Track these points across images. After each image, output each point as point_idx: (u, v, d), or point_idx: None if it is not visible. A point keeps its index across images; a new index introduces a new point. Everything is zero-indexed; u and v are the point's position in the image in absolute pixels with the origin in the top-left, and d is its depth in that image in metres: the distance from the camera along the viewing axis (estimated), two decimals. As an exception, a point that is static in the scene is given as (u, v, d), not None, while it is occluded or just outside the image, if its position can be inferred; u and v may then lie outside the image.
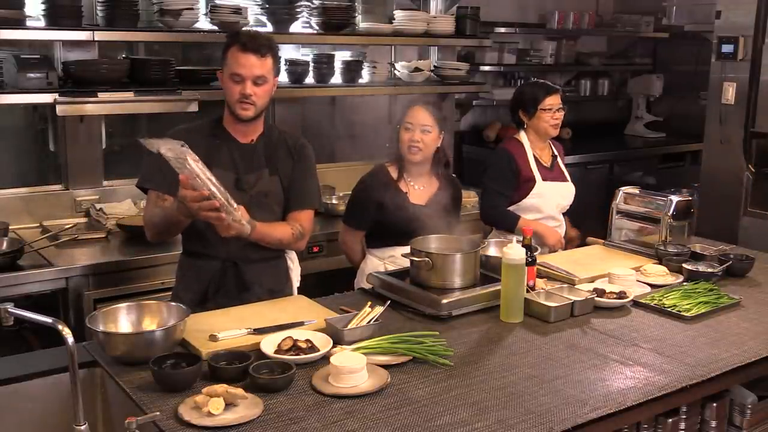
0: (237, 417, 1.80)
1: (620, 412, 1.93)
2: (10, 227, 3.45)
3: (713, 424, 2.25)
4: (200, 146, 2.42)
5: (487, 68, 5.69)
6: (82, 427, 1.71)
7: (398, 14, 4.46)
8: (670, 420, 2.15)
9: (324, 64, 4.27)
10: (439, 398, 1.95)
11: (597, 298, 2.63)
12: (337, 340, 2.21)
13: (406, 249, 2.71)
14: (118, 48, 3.92)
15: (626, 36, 6.66)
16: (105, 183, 3.89)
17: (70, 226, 3.59)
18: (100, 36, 3.50)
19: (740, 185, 4.56)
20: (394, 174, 3.15)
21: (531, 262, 2.66)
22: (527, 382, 2.05)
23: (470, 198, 4.13)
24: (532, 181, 3.47)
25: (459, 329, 2.43)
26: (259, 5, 4.04)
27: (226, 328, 2.25)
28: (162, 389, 1.94)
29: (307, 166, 2.78)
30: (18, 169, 3.84)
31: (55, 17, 3.41)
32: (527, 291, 2.57)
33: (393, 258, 3.09)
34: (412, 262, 2.65)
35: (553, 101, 3.47)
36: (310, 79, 4.27)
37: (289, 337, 2.17)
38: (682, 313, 2.55)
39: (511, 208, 3.47)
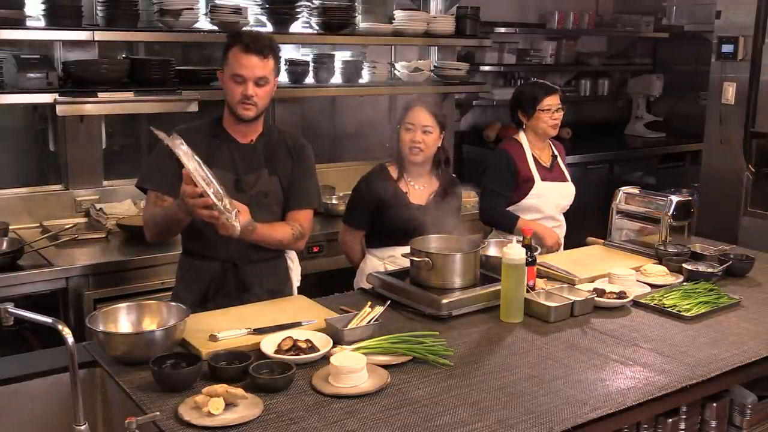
0: (237, 417, 1.80)
1: (620, 412, 1.94)
2: (10, 227, 3.45)
3: (713, 424, 2.25)
4: (200, 146, 2.42)
5: (487, 68, 5.69)
6: (82, 427, 1.71)
7: (398, 14, 4.47)
8: (670, 420, 2.15)
9: (324, 64, 4.27)
10: (439, 398, 1.95)
11: (597, 298, 2.63)
12: (337, 340, 2.21)
13: (406, 249, 2.71)
14: (118, 48, 3.92)
15: (626, 36, 6.66)
16: (105, 183, 3.89)
17: (70, 226, 3.59)
18: (100, 36, 3.50)
19: (740, 185, 4.56)
20: (394, 174, 3.15)
21: (531, 262, 2.66)
22: (527, 382, 2.05)
23: (470, 198, 4.13)
24: (530, 182, 3.47)
25: (459, 329, 2.43)
26: (259, 5, 4.04)
27: (226, 328, 2.25)
28: (162, 389, 1.94)
29: (306, 166, 2.78)
30: (18, 169, 3.84)
31: (55, 17, 3.41)
32: (527, 291, 2.57)
33: (393, 258, 3.09)
34: (412, 262, 2.65)
35: (552, 101, 3.47)
36: (310, 79, 4.28)
37: (289, 337, 2.17)
38: (682, 313, 2.55)
39: (510, 209, 3.47)
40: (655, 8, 6.04)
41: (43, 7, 3.42)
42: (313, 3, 4.14)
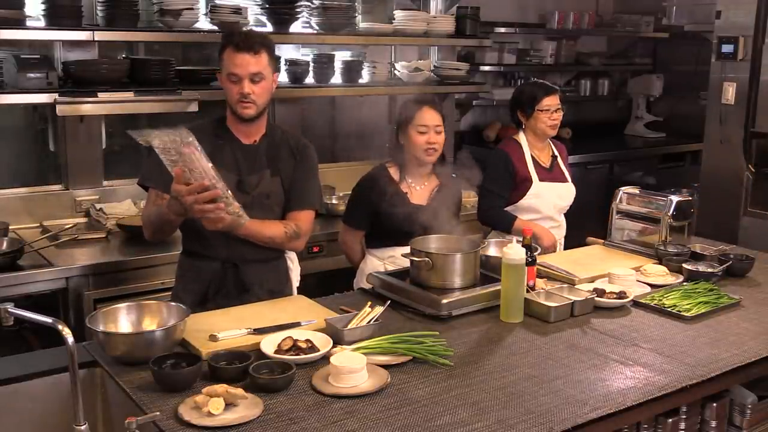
0: (237, 417, 1.80)
1: (620, 412, 1.93)
2: (10, 227, 3.45)
3: (713, 424, 2.25)
4: (204, 146, 2.42)
5: (487, 68, 5.69)
6: (82, 427, 1.71)
7: (398, 14, 4.47)
8: (670, 420, 2.15)
9: (324, 64, 4.27)
10: (439, 398, 1.95)
11: (597, 298, 2.63)
12: (337, 340, 2.21)
13: (407, 249, 2.71)
14: (118, 48, 3.92)
15: (626, 36, 6.66)
16: (105, 183, 3.89)
17: (70, 226, 3.59)
18: (100, 36, 3.50)
19: (740, 185, 4.56)
20: (394, 174, 3.15)
21: (531, 262, 2.66)
22: (527, 382, 2.05)
23: (470, 198, 4.14)
24: (528, 182, 3.47)
25: (459, 329, 2.43)
26: (259, 5, 4.04)
27: (226, 328, 2.25)
28: (162, 389, 1.94)
29: (308, 167, 2.78)
30: (18, 169, 3.84)
31: (55, 17, 3.41)
32: (527, 291, 2.57)
33: (393, 258, 3.08)
34: (412, 262, 2.65)
35: (551, 102, 3.46)
36: (310, 79, 4.28)
37: (289, 337, 2.17)
38: (682, 313, 2.55)
39: (508, 209, 3.48)
40: (655, 8, 6.05)
41: (43, 7, 3.42)
42: (313, 3, 4.14)
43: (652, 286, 2.85)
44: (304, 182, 2.76)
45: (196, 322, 2.29)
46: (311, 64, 4.24)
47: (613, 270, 2.85)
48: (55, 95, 3.31)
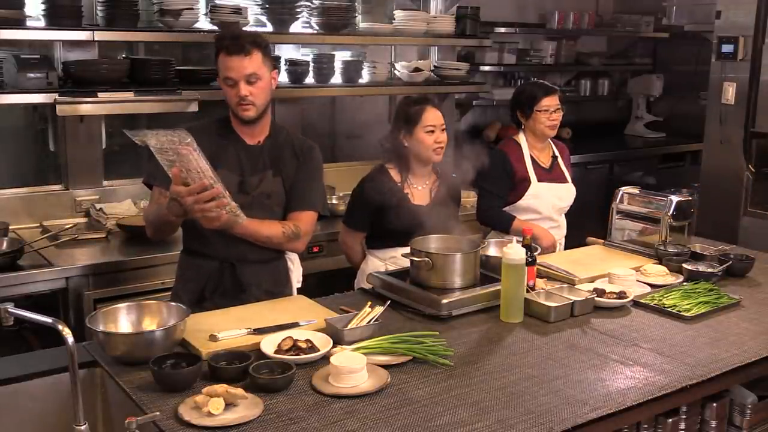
0: (237, 417, 1.80)
1: (620, 412, 1.93)
2: (10, 227, 3.45)
3: (713, 424, 2.25)
4: (207, 146, 2.42)
5: (487, 68, 5.69)
6: (82, 427, 1.71)
7: (398, 14, 4.47)
8: (670, 420, 2.15)
9: (324, 64, 4.27)
10: (439, 398, 1.95)
11: (597, 298, 2.63)
12: (337, 340, 2.21)
13: (408, 249, 2.71)
14: (118, 48, 3.92)
15: (626, 36, 6.66)
16: (105, 183, 3.89)
17: (70, 226, 3.59)
18: (100, 36, 3.50)
19: (740, 185, 4.56)
20: (395, 176, 3.15)
21: (531, 262, 2.66)
22: (527, 382, 2.05)
23: (470, 198, 4.14)
24: (527, 182, 3.47)
25: (459, 329, 2.43)
26: (259, 5, 4.04)
27: (226, 328, 2.25)
28: (162, 389, 1.94)
29: (312, 168, 2.77)
30: (18, 169, 3.84)
31: (55, 17, 3.41)
32: (527, 291, 2.57)
33: (394, 259, 3.08)
34: (412, 262, 2.65)
35: (550, 102, 3.46)
36: (310, 79, 4.27)
37: (289, 337, 2.17)
38: (682, 313, 2.55)
39: (507, 209, 3.48)
40: (655, 8, 6.05)
41: (43, 7, 3.42)
42: (313, 3, 4.14)
43: (652, 286, 2.85)
44: (307, 183, 2.75)
45: (196, 322, 2.29)
46: (311, 64, 4.24)
47: (613, 270, 2.85)
48: (55, 95, 3.31)
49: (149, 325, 2.21)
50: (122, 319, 2.20)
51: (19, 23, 3.32)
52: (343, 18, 4.18)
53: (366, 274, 2.97)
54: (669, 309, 2.59)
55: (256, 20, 4.07)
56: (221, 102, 2.71)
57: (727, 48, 4.52)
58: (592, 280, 2.86)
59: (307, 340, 2.16)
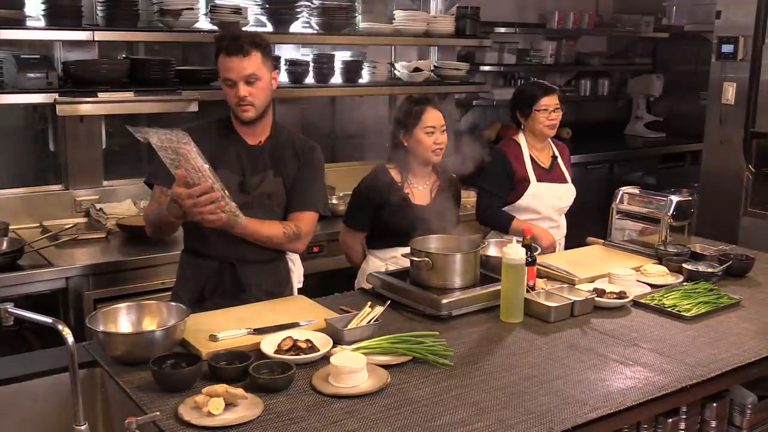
0: (237, 417, 1.80)
1: (620, 412, 1.94)
2: (10, 227, 3.45)
3: (713, 424, 2.25)
4: (208, 146, 2.42)
5: (487, 68, 5.69)
6: (82, 427, 1.71)
7: (398, 14, 4.47)
8: (670, 420, 2.15)
9: (324, 64, 4.27)
10: (439, 398, 1.95)
11: (597, 298, 2.63)
12: (337, 340, 2.21)
13: (408, 249, 2.71)
14: (118, 48, 3.92)
15: (626, 36, 6.66)
16: (105, 183, 3.89)
17: (70, 226, 3.59)
18: (100, 36, 3.50)
19: (740, 185, 4.56)
20: (395, 176, 3.15)
21: (531, 262, 2.66)
22: (527, 382, 2.05)
23: (470, 198, 4.14)
24: (526, 182, 3.47)
25: (459, 329, 2.43)
26: (259, 5, 4.04)
27: (226, 328, 2.25)
28: (162, 389, 1.94)
29: (313, 168, 2.77)
30: (18, 169, 3.84)
31: (55, 17, 3.41)
32: (527, 291, 2.57)
33: (395, 259, 3.08)
34: (412, 262, 2.65)
35: (549, 102, 3.46)
36: (310, 79, 4.28)
37: (289, 337, 2.17)
38: (682, 313, 2.55)
39: (506, 209, 3.48)
40: (655, 8, 6.04)
41: (43, 7, 3.42)
42: (313, 3, 4.14)
43: (652, 286, 2.85)
44: (308, 183, 2.75)
45: (196, 322, 2.29)
46: (311, 64, 4.24)
47: (613, 270, 2.85)
48: (55, 95, 3.31)
49: (149, 325, 2.21)
50: (122, 319, 2.20)
51: (19, 23, 3.32)
52: (343, 18, 4.18)
53: (366, 274, 2.97)
54: (669, 309, 2.59)
55: (256, 20, 4.07)
56: (221, 102, 2.71)
57: (727, 48, 4.52)
58: (592, 280, 2.86)
59: (307, 340, 2.16)
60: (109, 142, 3.97)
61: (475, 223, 3.62)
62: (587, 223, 3.75)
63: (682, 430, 2.19)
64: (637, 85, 6.67)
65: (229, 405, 1.83)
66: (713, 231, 3.83)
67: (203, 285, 2.68)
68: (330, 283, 3.21)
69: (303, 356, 2.10)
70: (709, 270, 2.93)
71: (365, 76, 4.48)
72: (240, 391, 1.85)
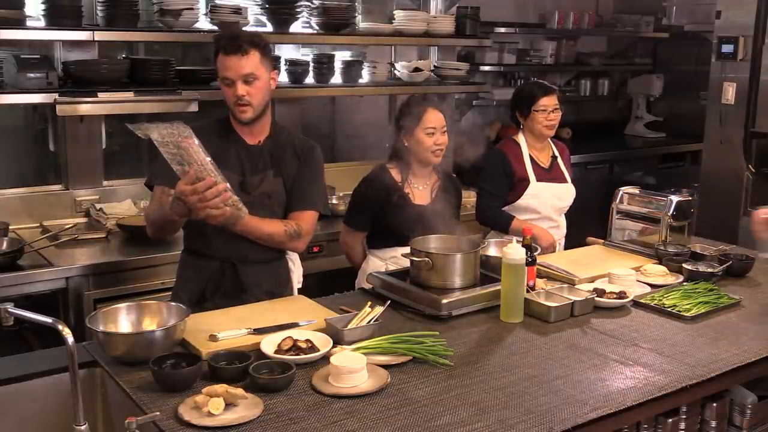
0: (237, 417, 1.80)
1: (620, 412, 1.93)
2: (10, 227, 3.45)
3: (713, 424, 2.25)
4: (208, 146, 2.42)
5: (487, 68, 5.70)
6: (82, 427, 1.71)
7: (398, 14, 4.47)
8: (670, 420, 2.15)
9: (324, 64, 4.27)
10: (439, 398, 1.95)
11: (597, 298, 2.63)
12: (337, 340, 2.21)
13: (408, 249, 2.71)
14: (118, 48, 3.92)
15: (626, 36, 6.66)
16: (105, 183, 3.89)
17: (70, 226, 3.59)
18: (100, 36, 3.50)
19: (740, 185, 4.56)
20: (396, 176, 3.15)
21: (531, 262, 2.66)
22: (527, 382, 2.05)
23: (470, 198, 4.14)
24: (526, 182, 3.47)
25: (459, 329, 2.43)
26: (259, 5, 4.04)
27: (226, 328, 2.25)
28: (162, 389, 1.94)
29: (312, 168, 2.77)
30: (18, 169, 3.84)
31: (55, 17, 3.41)
32: (527, 291, 2.57)
33: (395, 258, 3.08)
34: (412, 262, 2.65)
35: (548, 102, 3.46)
36: (310, 79, 4.27)
37: (289, 337, 2.17)
38: (682, 313, 2.55)
39: (506, 209, 3.48)
40: (655, 8, 6.05)
41: (43, 7, 3.42)
42: (313, 3, 4.14)
43: (652, 286, 2.85)
44: (308, 183, 2.75)
45: (196, 322, 2.29)
46: (311, 64, 4.24)
47: (613, 270, 2.85)
48: (55, 95, 3.31)
49: (149, 325, 2.21)
50: (122, 319, 2.20)
51: (19, 23, 3.31)
52: (343, 18, 4.18)
53: (366, 274, 2.97)
54: (669, 309, 2.59)
55: (256, 20, 4.07)
56: (221, 102, 2.71)
57: (727, 48, 4.52)
58: (592, 280, 2.86)
59: (307, 340, 2.16)
60: (109, 142, 3.97)
61: (475, 223, 3.62)
62: (587, 223, 3.75)
63: (682, 430, 2.19)
64: (637, 85, 6.67)
65: (229, 405, 1.83)
66: (713, 231, 3.83)
67: (204, 285, 2.68)
68: (330, 283, 3.20)
69: (303, 356, 2.10)
70: (709, 270, 2.93)
71: (365, 76, 4.48)
72: (240, 391, 1.85)
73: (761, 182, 4.54)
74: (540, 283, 2.76)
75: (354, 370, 1.97)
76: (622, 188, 3.38)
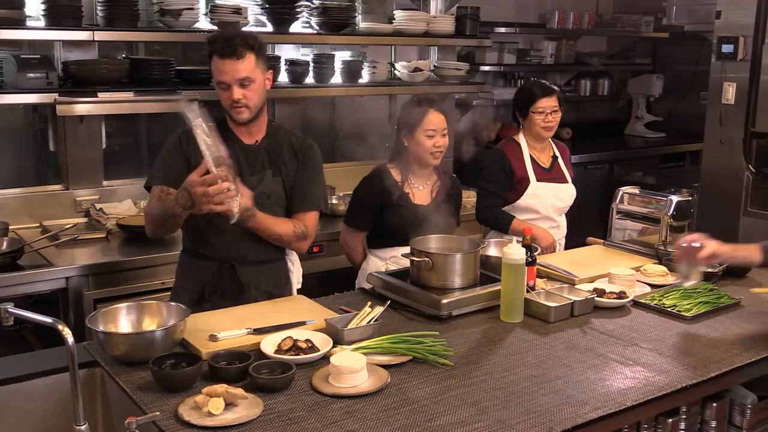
0: (237, 417, 1.80)
1: (620, 412, 1.94)
2: (10, 227, 3.45)
3: (713, 424, 2.25)
4: None
5: (487, 68, 5.70)
6: (82, 427, 1.71)
7: (398, 14, 4.46)
8: (670, 420, 2.15)
9: (324, 64, 4.27)
10: (439, 398, 1.95)
11: (597, 298, 2.63)
12: (337, 340, 2.21)
13: (409, 249, 2.71)
14: (118, 48, 3.92)
15: (626, 36, 6.66)
16: (105, 183, 3.89)
17: (70, 226, 3.58)
18: (100, 36, 3.50)
19: (740, 185, 4.56)
20: (396, 175, 3.15)
21: (531, 262, 2.66)
22: (527, 382, 2.05)
23: (470, 198, 4.14)
24: (526, 182, 3.47)
25: (459, 329, 2.43)
26: (259, 5, 4.03)
27: (226, 328, 2.25)
28: (162, 389, 1.94)
29: (312, 168, 2.77)
30: (18, 169, 3.84)
31: (55, 17, 3.40)
32: (527, 291, 2.57)
33: (395, 258, 3.08)
34: (412, 262, 2.65)
35: (547, 103, 3.45)
36: (310, 79, 4.27)
37: (289, 337, 2.17)
38: (682, 313, 2.55)
39: (506, 209, 3.48)
40: (655, 8, 6.05)
41: (43, 7, 3.41)
42: (313, 3, 4.14)
43: (652, 286, 2.85)
44: (309, 183, 2.74)
45: (196, 322, 2.29)
46: (311, 64, 4.24)
47: (613, 270, 2.85)
48: (55, 95, 3.31)
49: (149, 325, 2.21)
50: (122, 319, 2.21)
51: (19, 23, 3.31)
52: (343, 18, 4.17)
53: (366, 273, 2.97)
54: (669, 309, 2.59)
55: (256, 20, 4.07)
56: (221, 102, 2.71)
57: (727, 48, 4.52)
58: (592, 280, 2.86)
59: (307, 340, 2.17)
60: (109, 142, 3.97)
61: (475, 223, 3.62)
62: (587, 223, 3.75)
63: (682, 430, 2.19)
64: (637, 85, 6.67)
65: (229, 405, 1.83)
66: (713, 231, 3.82)
67: (203, 286, 2.68)
68: (330, 283, 3.20)
69: (303, 356, 2.10)
70: (709, 270, 2.93)
71: (365, 76, 4.48)
72: (240, 391, 1.85)
73: (761, 182, 4.53)
74: (540, 283, 2.76)
75: (354, 370, 1.97)
76: (622, 188, 3.38)
